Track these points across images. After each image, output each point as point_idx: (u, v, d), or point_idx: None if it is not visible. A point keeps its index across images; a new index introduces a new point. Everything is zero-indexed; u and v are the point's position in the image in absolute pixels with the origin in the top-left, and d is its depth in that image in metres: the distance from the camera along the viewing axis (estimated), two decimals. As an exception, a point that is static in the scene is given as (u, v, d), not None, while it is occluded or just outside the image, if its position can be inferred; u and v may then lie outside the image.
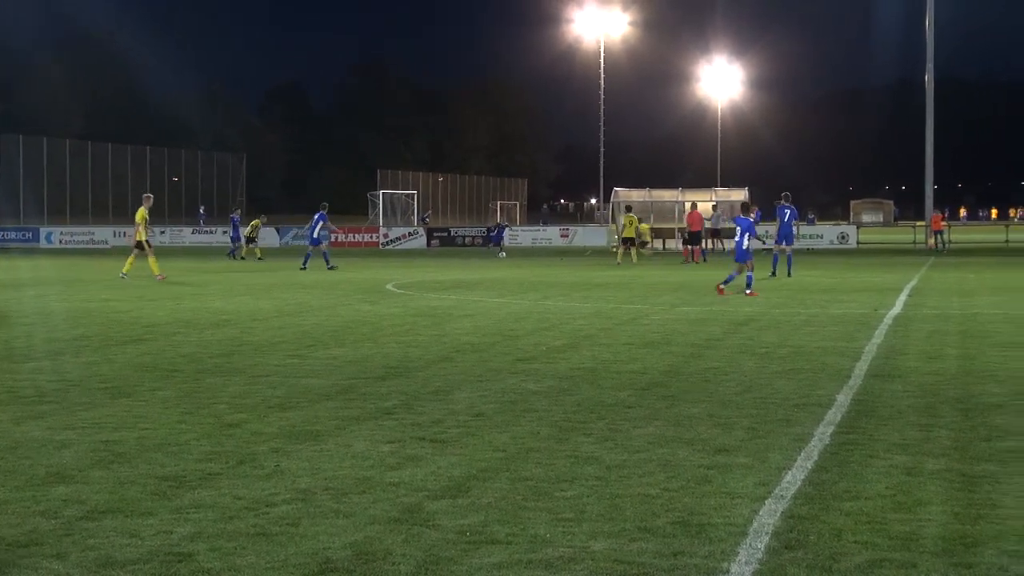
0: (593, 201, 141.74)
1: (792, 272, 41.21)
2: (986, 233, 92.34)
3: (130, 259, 41.24)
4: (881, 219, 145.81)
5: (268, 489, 9.82)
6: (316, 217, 50.19)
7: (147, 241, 41.24)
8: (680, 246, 65.49)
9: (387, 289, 36.12)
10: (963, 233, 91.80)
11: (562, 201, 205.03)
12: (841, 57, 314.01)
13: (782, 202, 43.49)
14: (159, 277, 39.63)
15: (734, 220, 33.84)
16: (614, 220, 78.93)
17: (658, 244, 74.26)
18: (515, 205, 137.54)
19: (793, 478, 10.12)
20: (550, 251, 74.12)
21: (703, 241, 60.37)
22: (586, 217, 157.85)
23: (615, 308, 28.45)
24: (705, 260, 54.34)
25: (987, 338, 21.17)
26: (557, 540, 8.33)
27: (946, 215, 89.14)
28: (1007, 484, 9.93)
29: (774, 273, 41.08)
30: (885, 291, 33.56)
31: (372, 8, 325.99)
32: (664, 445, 11.56)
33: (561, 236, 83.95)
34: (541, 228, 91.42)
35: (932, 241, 71.89)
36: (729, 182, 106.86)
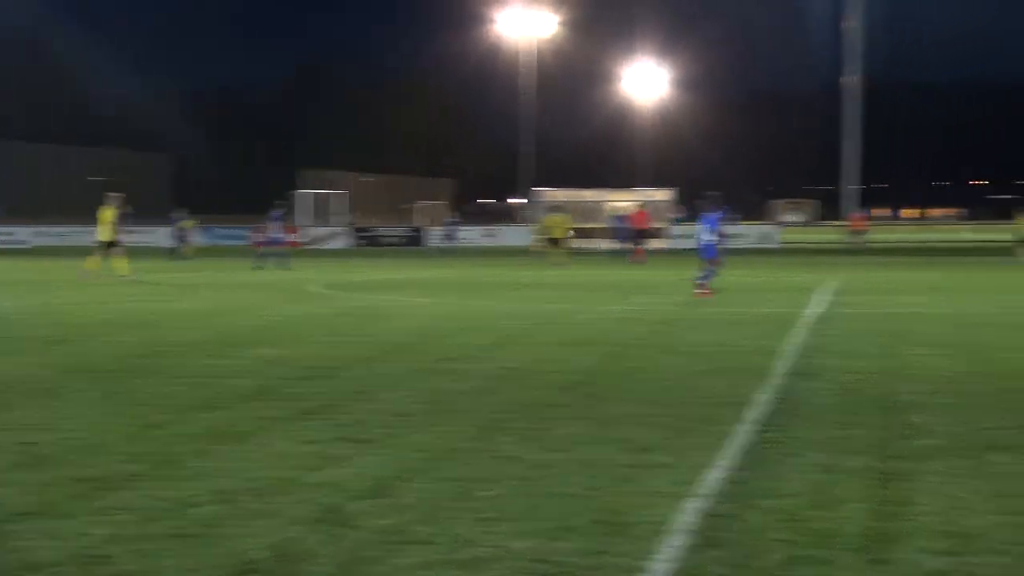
0: (519, 201, 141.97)
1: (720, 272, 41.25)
2: (906, 233, 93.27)
3: (95, 259, 40.57)
4: (803, 219, 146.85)
5: (189, 490, 9.77)
6: (273, 217, 50.08)
7: (115, 241, 40.59)
8: (602, 246, 65.81)
9: (311, 289, 35.99)
10: (884, 233, 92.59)
11: (488, 201, 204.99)
12: (766, 58, 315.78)
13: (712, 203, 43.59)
14: (126, 278, 39.15)
15: (700, 218, 33.79)
16: (537, 220, 78.98)
17: (581, 244, 74.36)
18: (441, 205, 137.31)
19: (713, 476, 10.18)
20: (475, 251, 74.09)
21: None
22: (510, 217, 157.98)
23: (540, 308, 28.51)
24: (635, 261, 54.32)
25: (906, 336, 21.38)
26: (479, 540, 8.35)
27: (868, 215, 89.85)
28: (923, 481, 10.04)
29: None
30: (806, 290, 33.82)
31: (300, 8, 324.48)
32: (587, 444, 11.60)
33: (485, 236, 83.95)
34: (465, 227, 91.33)
35: (853, 240, 72.51)
36: (655, 182, 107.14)
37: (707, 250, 32.43)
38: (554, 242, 53.96)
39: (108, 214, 40.91)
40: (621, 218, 61.79)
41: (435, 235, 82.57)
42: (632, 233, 57.31)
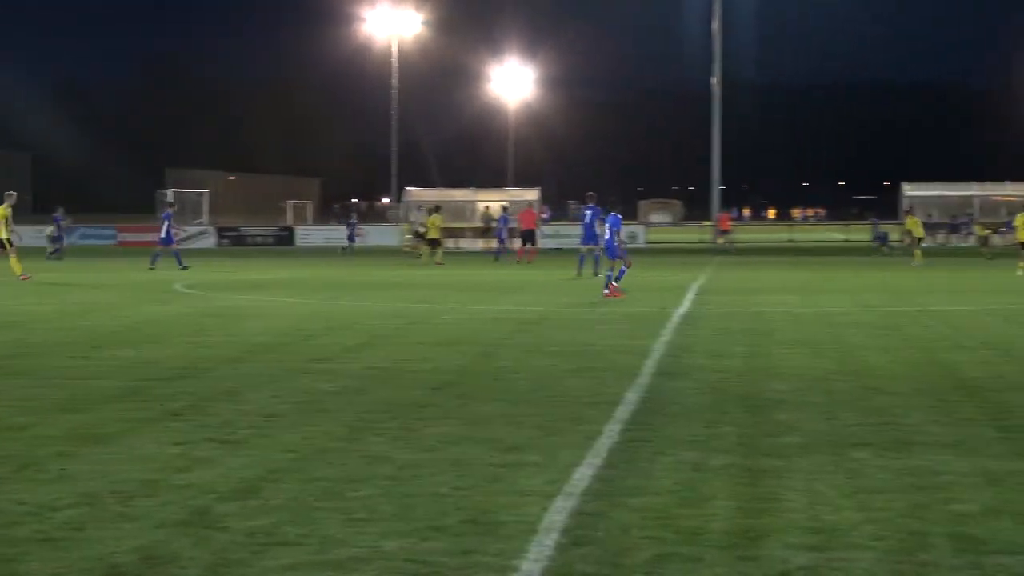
0: (386, 200, 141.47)
1: (599, 272, 41.37)
2: (770, 233, 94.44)
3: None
4: (669, 219, 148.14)
5: (52, 493, 9.61)
6: (163, 216, 49.37)
7: (8, 240, 39.44)
8: (475, 245, 66.00)
9: (176, 289, 35.61)
10: (748, 233, 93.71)
11: (354, 200, 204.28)
12: (636, 59, 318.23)
13: (587, 203, 43.80)
14: (22, 277, 38.28)
15: (605, 218, 33.44)
16: (406, 219, 78.90)
17: (451, 243, 74.46)
18: (307, 204, 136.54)
19: (582, 475, 10.23)
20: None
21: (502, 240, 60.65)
22: (378, 216, 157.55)
23: (409, 308, 28.46)
24: (518, 261, 53.97)
25: (771, 336, 21.65)
26: (349, 540, 8.31)
27: (734, 215, 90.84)
28: (789, 478, 10.16)
29: (579, 274, 41.34)
30: (673, 290, 34.12)
31: (161, 4, 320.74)
32: (456, 444, 11.60)
33: (354, 236, 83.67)
34: (333, 227, 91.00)
35: (720, 240, 73.26)
36: (522, 182, 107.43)
37: (612, 250, 32.29)
38: (434, 242, 53.74)
39: (1, 212, 39.55)
40: (506, 218, 62.01)
41: (304, 235, 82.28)
42: (521, 233, 57.17)
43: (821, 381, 15.90)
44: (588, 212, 42.06)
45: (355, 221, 78.40)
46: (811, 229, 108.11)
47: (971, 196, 79.26)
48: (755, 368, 17.28)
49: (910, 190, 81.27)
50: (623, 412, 13.38)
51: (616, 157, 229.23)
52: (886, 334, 21.81)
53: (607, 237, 32.50)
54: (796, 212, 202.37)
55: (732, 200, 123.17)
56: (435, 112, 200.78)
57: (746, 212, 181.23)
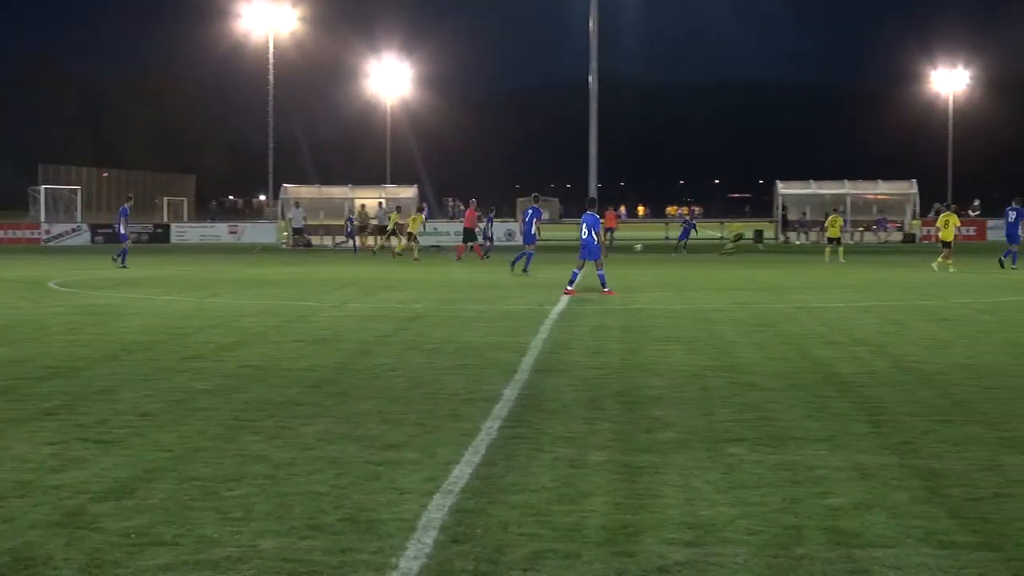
0: (263, 197, 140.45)
1: (527, 269, 41.61)
2: (646, 231, 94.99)
3: None
4: (547, 217, 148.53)
5: (-79, 495, 9.44)
6: (121, 212, 48.43)
7: None
8: (350, 242, 65.72)
9: (49, 287, 35.10)
10: (625, 231, 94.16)
11: (231, 198, 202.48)
12: (512, 57, 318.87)
13: (533, 204, 44.15)
14: None
15: (581, 217, 33.00)
16: (283, 216, 78.39)
17: (328, 240, 74.20)
18: (183, 201, 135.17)
19: (461, 472, 10.24)
20: (219, 248, 73.18)
21: (373, 237, 60.46)
22: (255, 213, 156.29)
23: (286, 305, 28.29)
24: (459, 259, 53.36)
25: (648, 332, 21.81)
26: (225, 540, 8.25)
27: (620, 213, 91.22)
28: (666, 474, 10.24)
29: (525, 270, 41.33)
30: (551, 287, 34.20)
31: (32, 1, 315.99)
32: (333, 442, 11.56)
33: (230, 232, 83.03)
34: (210, 224, 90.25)
35: (604, 238, 73.52)
36: (400, 179, 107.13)
37: (593, 250, 31.89)
38: (411, 237, 53.85)
39: None
40: (491, 217, 61.77)
41: (180, 232, 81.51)
42: (467, 233, 56.63)
43: (697, 377, 16.04)
44: (530, 211, 43.07)
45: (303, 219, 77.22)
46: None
47: (844, 194, 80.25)
48: (632, 365, 17.39)
49: (784, 188, 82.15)
50: (501, 409, 13.41)
51: (495, 154, 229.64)
52: (761, 331, 22.06)
53: (586, 236, 32.01)
54: (671, 209, 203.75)
55: (610, 198, 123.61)
56: (313, 109, 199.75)
57: (622, 210, 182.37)
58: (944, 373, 16.46)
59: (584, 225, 32.27)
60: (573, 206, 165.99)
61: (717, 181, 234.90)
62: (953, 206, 51.79)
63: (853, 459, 10.83)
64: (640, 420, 12.83)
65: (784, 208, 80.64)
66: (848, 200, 79.67)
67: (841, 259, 49.40)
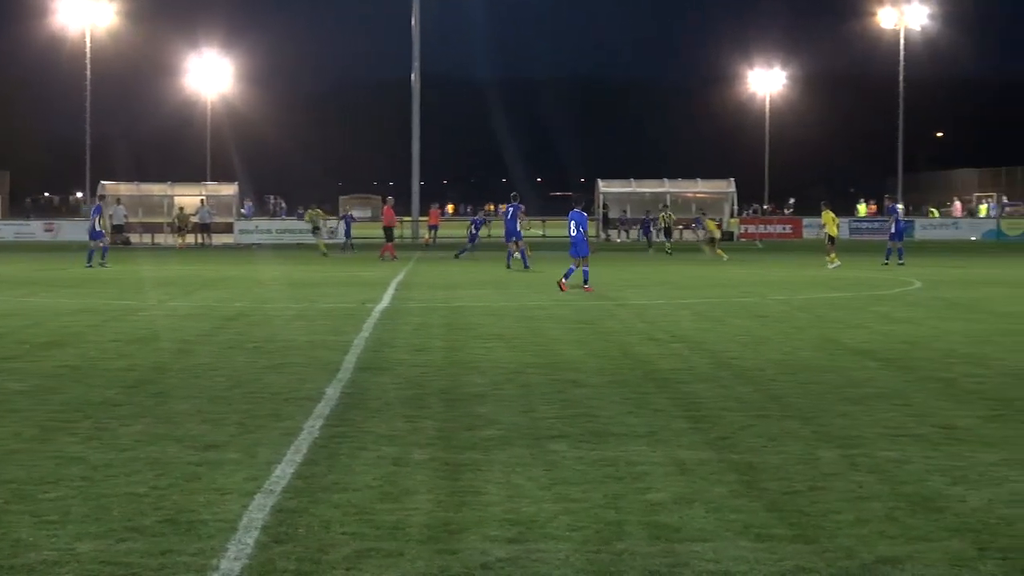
0: (79, 195, 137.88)
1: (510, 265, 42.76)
2: (456, 228, 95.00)
3: None
4: (370, 215, 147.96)
5: None
6: (93, 211, 46.65)
7: None
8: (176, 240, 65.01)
9: None
10: (447, 229, 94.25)
11: (47, 195, 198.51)
12: (335, 53, 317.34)
13: (513, 202, 44.41)
14: None
15: (569, 215, 33.13)
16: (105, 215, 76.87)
17: (147, 239, 73.13)
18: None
19: (283, 472, 10.17)
20: (35, 246, 71.65)
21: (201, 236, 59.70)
22: (72, 211, 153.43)
23: (106, 304, 27.82)
24: (395, 258, 52.39)
25: (470, 330, 21.86)
26: (41, 543, 8.09)
27: (442, 211, 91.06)
28: (489, 471, 10.28)
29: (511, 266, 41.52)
30: (373, 285, 34.14)
31: None
32: (152, 443, 11.40)
33: (46, 230, 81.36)
34: (24, 222, 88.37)
35: (427, 236, 73.47)
36: (220, 177, 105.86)
37: (582, 247, 32.06)
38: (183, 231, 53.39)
39: None
40: (348, 217, 61.07)
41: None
42: (388, 232, 55.80)
43: (519, 374, 16.13)
44: (511, 209, 43.70)
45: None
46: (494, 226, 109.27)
47: (663, 192, 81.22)
48: (455, 362, 17.43)
49: (605, 187, 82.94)
50: (324, 408, 13.35)
51: (318, 152, 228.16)
52: (582, 328, 22.24)
53: (575, 234, 32.22)
54: (490, 207, 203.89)
55: (433, 196, 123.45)
56: (131, 105, 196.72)
57: (450, 208, 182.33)
58: (761, 369, 16.76)
59: (572, 222, 32.67)
60: (397, 204, 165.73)
61: (539, 179, 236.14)
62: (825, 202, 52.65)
63: (673, 454, 10.98)
64: (463, 418, 12.86)
65: (605, 206, 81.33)
66: (668, 198, 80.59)
67: (724, 257, 49.58)
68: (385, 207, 56.61)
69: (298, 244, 70.27)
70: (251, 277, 38.73)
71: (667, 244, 58.98)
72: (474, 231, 55.33)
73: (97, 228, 45.28)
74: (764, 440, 11.66)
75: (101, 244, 45.31)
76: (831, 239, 44.10)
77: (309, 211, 62.21)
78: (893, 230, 45.61)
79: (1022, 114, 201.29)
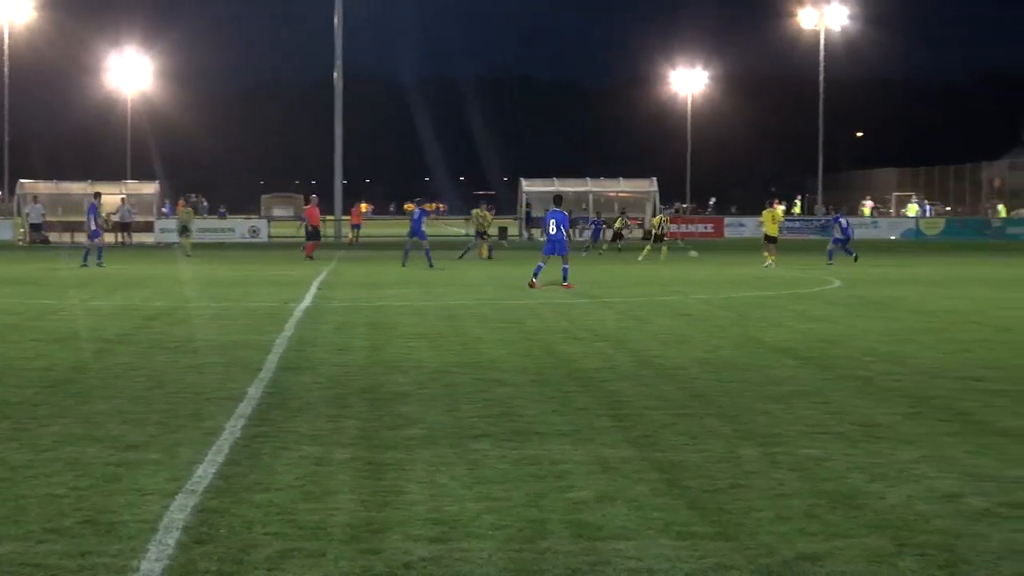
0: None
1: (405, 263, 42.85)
2: (392, 227, 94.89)
3: None
4: (292, 213, 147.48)
5: None
6: (89, 209, 45.72)
7: None
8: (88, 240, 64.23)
9: None
10: (370, 228, 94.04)
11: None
12: (256, 52, 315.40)
13: (419, 206, 45.87)
14: None
15: (549, 213, 33.99)
16: (19, 212, 76.11)
17: (67, 237, 72.39)
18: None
19: (204, 472, 10.12)
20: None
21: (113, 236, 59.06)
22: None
23: (24, 304, 27.54)
24: (310, 257, 51.78)
25: (393, 329, 21.83)
26: (-43, 546, 8.01)
27: (369, 209, 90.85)
28: (412, 471, 10.27)
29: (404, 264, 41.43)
30: (296, 284, 34.00)
31: None
32: (72, 443, 11.30)
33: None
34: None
35: (351, 236, 73.26)
36: (141, 175, 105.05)
37: (560, 245, 32.76)
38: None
39: None
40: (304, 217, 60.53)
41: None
42: (313, 231, 55.21)
43: (443, 374, 16.13)
44: (418, 211, 45.22)
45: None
46: (433, 223, 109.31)
47: (586, 192, 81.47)
48: (378, 361, 17.40)
49: (528, 186, 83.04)
50: (246, 408, 13.29)
51: (239, 150, 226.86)
52: (506, 327, 22.27)
53: (553, 232, 32.83)
54: (409, 206, 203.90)
55: (355, 194, 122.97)
56: (49, 103, 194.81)
57: (367, 207, 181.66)
58: (683, 367, 16.85)
59: (553, 221, 33.26)
60: (321, 203, 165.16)
61: (463, 178, 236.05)
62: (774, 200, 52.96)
63: (596, 453, 11.01)
64: (386, 417, 12.84)
65: (528, 205, 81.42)
66: (591, 197, 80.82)
67: (662, 258, 49.50)
68: (309, 206, 56.18)
69: (220, 243, 69.85)
70: (173, 276, 38.47)
71: (618, 244, 59.38)
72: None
73: (94, 226, 44.37)
74: (686, 438, 11.73)
75: (98, 243, 44.52)
76: (770, 238, 44.22)
77: (183, 210, 61.20)
78: (840, 236, 45.88)
79: (941, 115, 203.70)
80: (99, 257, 43.85)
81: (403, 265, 43.38)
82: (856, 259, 44.66)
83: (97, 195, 48.31)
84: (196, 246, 57.86)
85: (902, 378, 15.90)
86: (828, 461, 10.73)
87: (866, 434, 11.97)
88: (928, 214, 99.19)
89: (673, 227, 61.83)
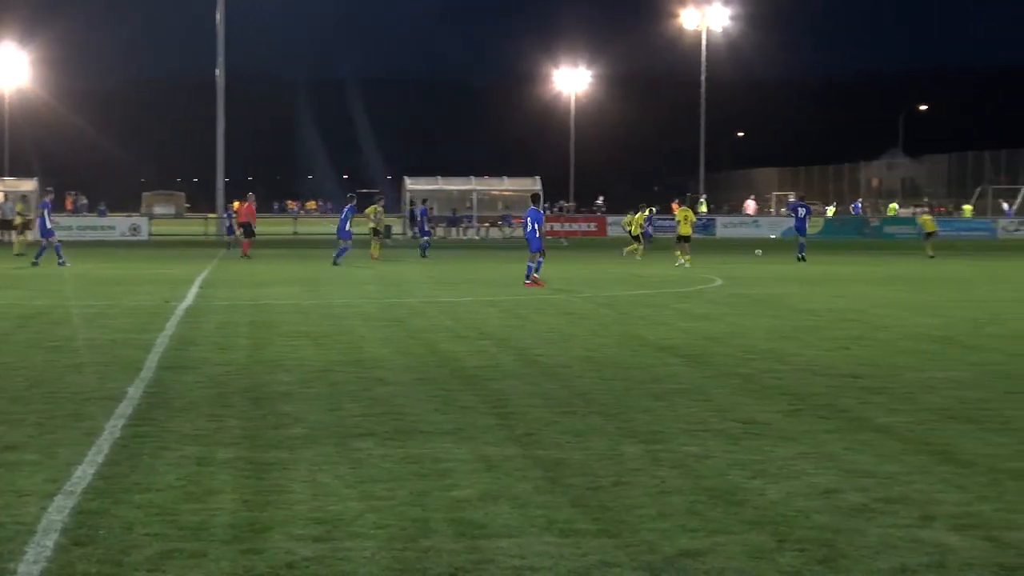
0: None
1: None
2: (277, 225, 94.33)
3: None
4: (173, 211, 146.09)
5: None
6: (41, 206, 44.28)
7: None
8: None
9: None
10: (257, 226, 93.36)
11: None
12: (138, 47, 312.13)
13: (349, 203, 46.28)
14: None
15: (527, 212, 34.55)
16: None
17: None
18: None
19: (83, 473, 10.00)
20: None
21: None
22: None
23: None
24: (246, 255, 50.93)
25: (276, 328, 21.71)
26: None
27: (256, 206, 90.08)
28: (295, 470, 10.23)
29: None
30: (177, 283, 33.67)
31: None
32: (-52, 445, 11.12)
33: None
34: None
35: (236, 234, 72.60)
36: (18, 171, 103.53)
37: (534, 242, 32.97)
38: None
39: None
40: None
41: None
42: (247, 228, 54.20)
43: (325, 372, 16.07)
44: (346, 209, 46.15)
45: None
46: (314, 222, 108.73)
47: (470, 190, 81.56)
48: (260, 360, 17.29)
49: (411, 184, 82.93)
50: (126, 408, 13.15)
51: (120, 148, 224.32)
52: (389, 326, 22.23)
53: (529, 230, 33.29)
54: (291, 204, 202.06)
55: (238, 192, 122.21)
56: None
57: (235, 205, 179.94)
58: (566, 366, 16.92)
59: (528, 219, 33.82)
60: (201, 200, 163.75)
61: (345, 176, 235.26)
62: (692, 196, 53.31)
63: (479, 451, 11.03)
64: (268, 416, 12.78)
65: (412, 203, 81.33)
66: (475, 196, 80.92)
67: (627, 255, 49.43)
68: (247, 204, 55.41)
69: (100, 241, 69.05)
70: (52, 274, 37.93)
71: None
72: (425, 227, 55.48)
73: (48, 225, 43.41)
74: (569, 436, 11.78)
75: (54, 241, 43.48)
76: (682, 238, 44.33)
77: (19, 205, 59.53)
78: (795, 224, 47.55)
79: (822, 115, 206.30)
80: (59, 256, 43.09)
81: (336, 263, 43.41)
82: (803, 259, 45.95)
83: (49, 192, 47.58)
84: (68, 245, 56.97)
85: (782, 376, 16.10)
86: (709, 458, 10.84)
87: (747, 431, 12.10)
88: (860, 211, 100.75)
89: (555, 226, 62.10)
